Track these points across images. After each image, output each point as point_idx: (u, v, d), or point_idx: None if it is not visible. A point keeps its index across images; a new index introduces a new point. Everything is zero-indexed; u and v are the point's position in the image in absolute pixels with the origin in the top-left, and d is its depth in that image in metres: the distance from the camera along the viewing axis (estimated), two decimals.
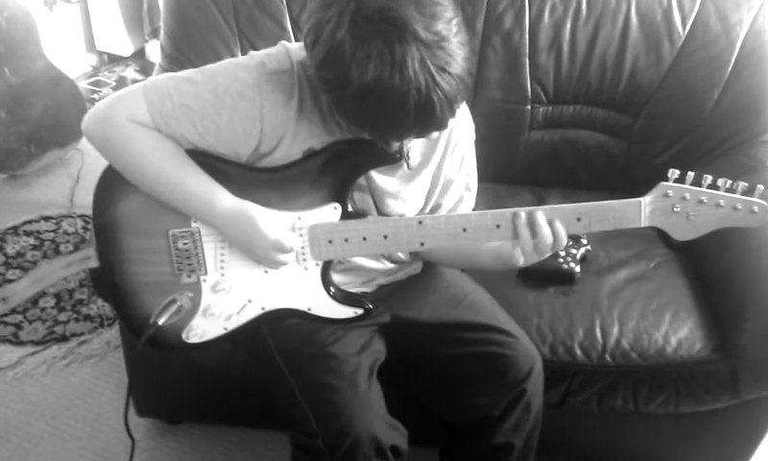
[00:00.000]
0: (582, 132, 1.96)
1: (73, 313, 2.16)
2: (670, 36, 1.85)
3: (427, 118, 1.02)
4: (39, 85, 2.76)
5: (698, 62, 1.85)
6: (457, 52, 1.00)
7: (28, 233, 2.49)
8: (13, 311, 2.16)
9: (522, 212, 1.18)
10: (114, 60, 3.64)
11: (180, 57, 1.85)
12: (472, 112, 1.90)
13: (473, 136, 1.39)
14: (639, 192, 1.19)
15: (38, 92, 2.75)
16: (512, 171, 2.00)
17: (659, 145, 1.91)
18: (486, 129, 1.91)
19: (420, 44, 0.97)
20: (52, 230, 2.50)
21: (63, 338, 2.08)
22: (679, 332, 1.56)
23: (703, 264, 1.72)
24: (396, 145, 1.16)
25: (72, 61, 3.40)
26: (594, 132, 1.95)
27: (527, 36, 1.88)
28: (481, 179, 1.85)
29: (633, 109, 1.91)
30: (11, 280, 2.27)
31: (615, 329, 1.56)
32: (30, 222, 2.54)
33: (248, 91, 1.14)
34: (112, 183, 1.23)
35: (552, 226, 1.17)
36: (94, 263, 1.29)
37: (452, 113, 1.04)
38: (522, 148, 1.97)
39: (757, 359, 1.51)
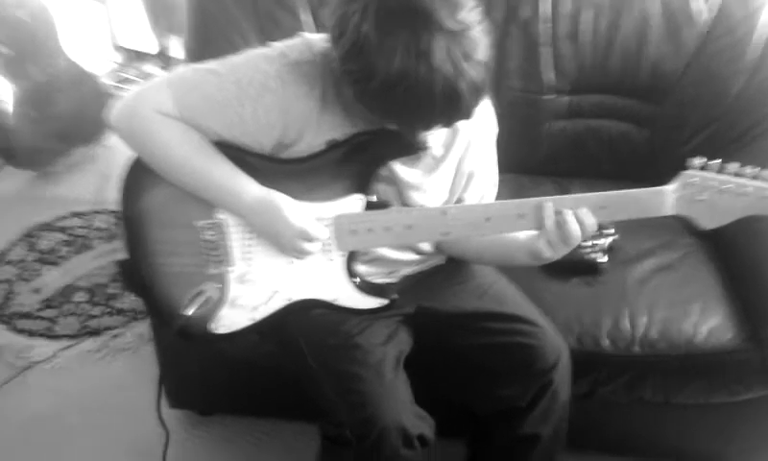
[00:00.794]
0: (605, 121, 1.94)
1: (106, 307, 2.20)
2: (692, 21, 1.83)
3: (454, 106, 1.03)
4: (64, 83, 2.81)
5: (722, 48, 1.82)
6: (481, 39, 1.01)
7: (60, 229, 2.54)
8: (48, 306, 2.21)
9: (548, 202, 1.17)
10: (139, 56, 3.69)
11: (201, 53, 1.87)
12: (493, 104, 1.91)
13: (496, 131, 1.38)
14: (664, 181, 1.18)
15: (63, 90, 2.80)
16: (534, 161, 1.99)
17: (684, 133, 1.89)
18: (507, 119, 1.89)
19: (445, 33, 0.98)
20: (84, 227, 2.55)
21: (97, 332, 2.12)
22: (709, 322, 1.54)
23: (731, 254, 1.69)
24: (422, 135, 1.16)
25: (97, 59, 3.45)
26: (618, 121, 1.93)
27: (548, 24, 1.87)
28: (503, 169, 1.84)
29: (656, 97, 1.88)
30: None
31: (644, 319, 1.54)
32: (61, 218, 2.60)
33: (270, 82, 1.16)
34: (139, 176, 1.25)
35: (578, 214, 1.16)
36: (122, 255, 1.31)
37: (477, 101, 1.05)
38: (544, 138, 1.96)
39: None
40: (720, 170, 1.16)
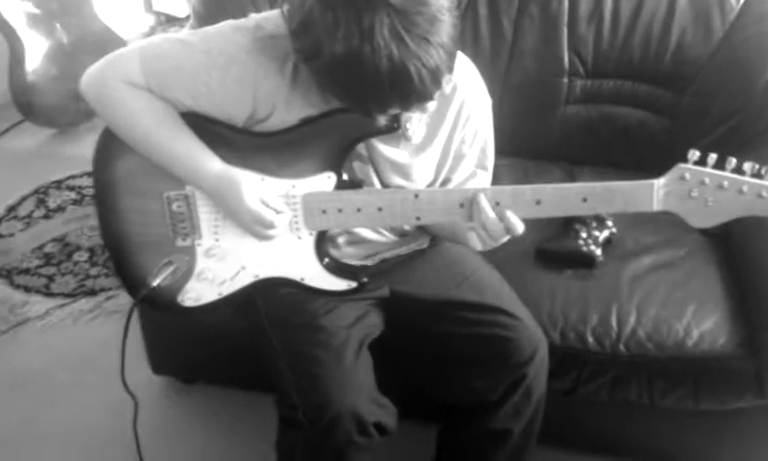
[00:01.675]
0: (622, 107, 1.86)
1: (104, 268, 2.22)
2: (721, 7, 1.74)
3: (405, 89, 0.97)
4: (90, 44, 2.82)
5: (751, 36, 1.72)
6: (438, 17, 0.95)
7: (70, 188, 2.57)
8: (48, 263, 2.23)
9: (480, 194, 1.13)
10: (171, 20, 3.69)
11: (209, 18, 1.84)
12: (504, 83, 1.85)
13: (490, 111, 1.32)
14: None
15: (89, 51, 2.81)
16: (544, 146, 1.92)
17: (706, 123, 1.78)
18: (518, 101, 1.86)
19: (391, 10, 0.93)
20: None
21: (92, 292, 2.15)
22: (702, 325, 1.46)
23: (738, 254, 1.61)
24: (381, 117, 1.11)
25: (130, 21, 3.46)
26: (635, 108, 1.85)
27: (566, 4, 1.80)
28: (511, 153, 1.79)
29: (678, 85, 1.79)
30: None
31: (633, 318, 1.48)
32: (73, 177, 2.62)
33: (241, 55, 1.12)
34: (112, 143, 1.23)
35: (500, 212, 1.11)
36: (94, 221, 1.30)
37: (436, 84, 0.99)
38: (557, 122, 1.89)
39: None
40: (717, 165, 1.09)
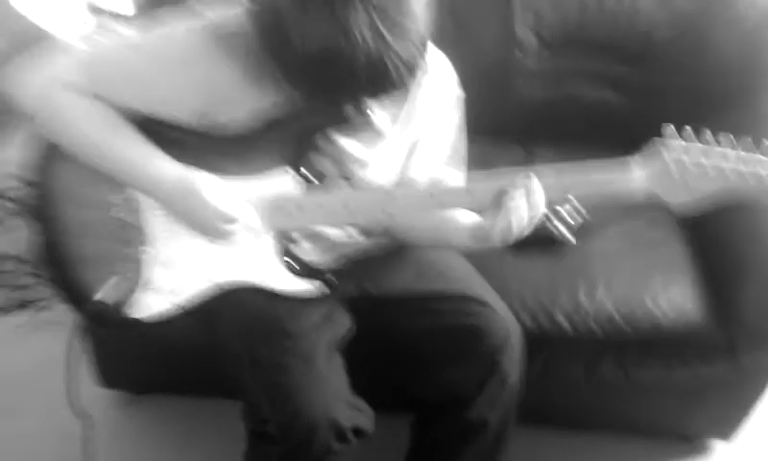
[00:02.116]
0: (582, 85, 1.82)
1: (36, 278, 2.05)
2: None
3: (380, 82, 0.93)
4: (22, 45, 2.64)
5: (717, 15, 1.70)
6: (412, 8, 0.90)
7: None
8: None
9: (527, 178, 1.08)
10: (116, 17, 3.49)
11: (151, 9, 1.72)
12: (461, 63, 1.78)
13: (459, 103, 1.27)
14: (640, 151, 1.08)
15: (21, 52, 2.63)
16: (502, 125, 1.85)
17: (667, 101, 1.75)
18: (474, 79, 1.77)
19: (367, 4, 0.87)
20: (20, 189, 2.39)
21: (24, 304, 1.98)
22: (670, 296, 1.46)
23: (702, 222, 1.59)
24: (350, 109, 1.06)
25: (72, 19, 3.26)
26: (595, 85, 1.81)
27: None
28: (468, 133, 1.73)
29: (640, 63, 1.76)
30: None
31: (601, 294, 1.46)
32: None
33: (192, 54, 1.05)
34: (50, 151, 1.13)
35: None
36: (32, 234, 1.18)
37: (412, 76, 0.95)
38: (514, 100, 1.84)
39: (757, 324, 1.42)
40: (689, 139, 1.05)
